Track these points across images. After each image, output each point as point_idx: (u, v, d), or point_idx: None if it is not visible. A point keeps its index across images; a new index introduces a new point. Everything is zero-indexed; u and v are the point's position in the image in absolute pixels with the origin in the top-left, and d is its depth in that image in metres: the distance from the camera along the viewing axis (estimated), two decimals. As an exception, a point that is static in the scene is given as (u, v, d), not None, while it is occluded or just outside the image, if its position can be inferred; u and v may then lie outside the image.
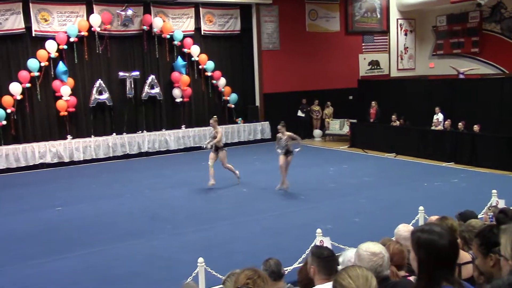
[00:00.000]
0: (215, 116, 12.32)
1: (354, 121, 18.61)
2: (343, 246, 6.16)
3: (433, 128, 15.85)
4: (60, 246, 8.20)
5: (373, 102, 18.11)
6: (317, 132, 19.93)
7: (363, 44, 21.58)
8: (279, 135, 11.33)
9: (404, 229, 4.45)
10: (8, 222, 9.73)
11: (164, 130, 17.46)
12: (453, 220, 3.80)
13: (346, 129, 18.70)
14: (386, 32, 22.16)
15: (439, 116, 15.88)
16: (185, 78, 17.46)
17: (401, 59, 22.66)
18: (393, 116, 17.07)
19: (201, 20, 17.96)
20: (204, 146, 12.28)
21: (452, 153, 14.34)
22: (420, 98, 17.26)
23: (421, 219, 7.67)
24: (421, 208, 7.77)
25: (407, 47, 22.77)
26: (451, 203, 9.21)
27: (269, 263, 4.15)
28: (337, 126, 19.28)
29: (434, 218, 4.50)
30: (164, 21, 17.02)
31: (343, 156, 16.10)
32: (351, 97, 20.57)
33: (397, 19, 22.28)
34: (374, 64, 21.94)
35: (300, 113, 19.57)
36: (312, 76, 19.80)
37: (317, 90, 19.76)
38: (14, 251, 8.08)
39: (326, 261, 3.41)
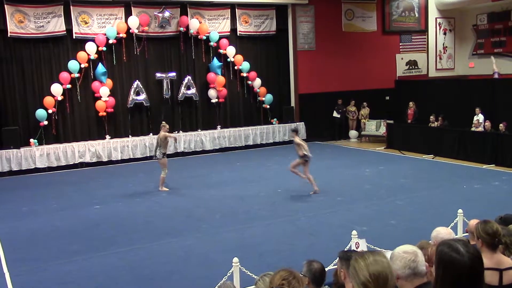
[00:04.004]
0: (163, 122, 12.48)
1: (391, 122, 18.35)
2: (379, 249, 6.09)
3: (473, 129, 15.47)
4: (99, 244, 8.39)
5: (411, 103, 17.82)
6: (353, 133, 19.75)
7: (400, 43, 21.26)
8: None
9: (445, 232, 4.35)
10: (51, 219, 10.01)
11: (199, 130, 17.62)
12: (496, 224, 3.69)
13: (382, 130, 18.47)
14: (424, 31, 21.76)
15: (480, 117, 15.49)
16: (221, 79, 17.58)
17: (440, 58, 22.21)
18: (431, 117, 16.74)
19: (237, 21, 18.05)
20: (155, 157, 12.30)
21: (493, 155, 13.97)
22: (459, 99, 16.86)
23: (460, 222, 7.52)
24: (460, 211, 7.61)
25: (446, 47, 22.30)
26: (491, 206, 9.00)
27: (314, 267, 3.91)
28: (373, 127, 19.06)
29: (474, 222, 4.39)
30: (200, 23, 17.17)
31: (380, 157, 15.89)
32: (387, 98, 20.29)
33: (436, 18, 21.85)
34: (412, 64, 21.58)
35: (335, 114, 19.43)
36: (348, 76, 19.63)
37: (353, 91, 19.58)
38: (56, 247, 8.30)
39: None
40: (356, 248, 5.71)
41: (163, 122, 12.53)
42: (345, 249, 5.68)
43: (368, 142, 19.02)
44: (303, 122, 19.08)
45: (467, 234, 5.29)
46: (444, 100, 17.33)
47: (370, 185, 11.91)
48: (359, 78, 19.77)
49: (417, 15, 21.49)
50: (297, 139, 11.18)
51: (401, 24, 21.16)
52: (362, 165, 14.42)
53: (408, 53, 21.49)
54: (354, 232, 6.50)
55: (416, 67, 21.67)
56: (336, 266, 4.77)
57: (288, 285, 2.83)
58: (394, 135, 17.46)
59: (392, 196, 10.77)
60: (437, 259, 2.52)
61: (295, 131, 11.59)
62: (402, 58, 21.36)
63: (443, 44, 22.24)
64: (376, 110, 19.44)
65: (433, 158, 15.21)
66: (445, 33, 22.20)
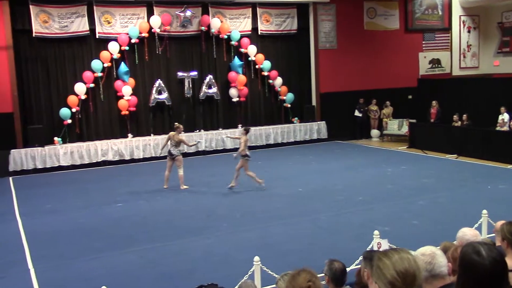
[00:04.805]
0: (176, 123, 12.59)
1: (414, 121, 18.13)
2: (401, 249, 6.02)
3: (498, 128, 15.21)
4: (121, 241, 8.47)
5: (433, 102, 17.59)
6: (374, 132, 19.57)
7: (423, 42, 21.00)
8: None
9: (470, 233, 4.27)
10: (75, 217, 10.14)
11: (220, 129, 17.66)
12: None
13: (405, 129, 18.25)
14: (448, 29, 21.45)
15: (505, 117, 15.23)
16: (242, 78, 17.59)
17: (464, 57, 21.87)
18: (455, 116, 16.50)
19: (258, 20, 18.04)
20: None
21: (518, 155, 13.71)
22: (484, 98, 16.59)
23: (485, 223, 7.38)
24: (484, 211, 7.48)
25: (470, 45, 21.95)
26: (517, 207, 8.83)
27: (335, 266, 3.90)
28: (395, 126, 18.85)
29: (500, 223, 4.30)
30: (221, 22, 17.21)
31: (402, 157, 15.73)
32: (410, 97, 20.06)
33: (460, 16, 21.52)
34: (435, 62, 21.29)
35: (357, 113, 19.28)
36: (370, 75, 19.46)
37: (375, 90, 19.41)
38: (80, 244, 8.41)
39: None
40: (378, 248, 5.66)
41: (176, 123, 12.52)
42: (368, 249, 5.63)
43: (390, 141, 18.82)
44: (324, 121, 18.99)
45: (494, 234, 5.20)
46: (468, 99, 17.07)
47: (392, 185, 11.79)
48: (381, 77, 19.58)
49: (440, 13, 21.20)
50: (246, 139, 11.56)
51: (424, 22, 20.90)
52: (384, 164, 14.29)
53: (431, 51, 21.20)
54: (376, 232, 6.44)
55: (439, 65, 21.38)
56: (358, 266, 4.73)
57: (313, 286, 2.81)
58: (416, 135, 17.25)
59: (415, 196, 10.64)
60: (460, 260, 2.51)
61: (247, 130, 11.99)
62: (425, 57, 21.09)
63: (467, 42, 21.89)
64: (398, 109, 19.22)
65: (456, 158, 14.99)
66: (469, 31, 21.85)
